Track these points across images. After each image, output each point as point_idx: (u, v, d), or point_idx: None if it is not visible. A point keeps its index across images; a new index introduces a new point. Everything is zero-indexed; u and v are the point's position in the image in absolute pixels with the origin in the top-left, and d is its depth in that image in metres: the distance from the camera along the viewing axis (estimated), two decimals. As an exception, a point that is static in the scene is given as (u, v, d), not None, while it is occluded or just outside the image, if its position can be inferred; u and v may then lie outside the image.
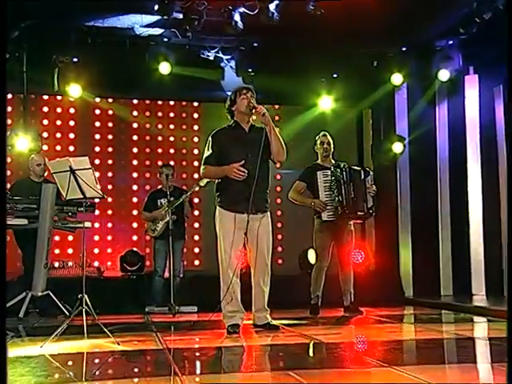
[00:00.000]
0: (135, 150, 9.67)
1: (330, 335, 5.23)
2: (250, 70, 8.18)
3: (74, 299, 7.03)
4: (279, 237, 9.61)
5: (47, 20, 7.51)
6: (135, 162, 9.59)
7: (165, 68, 7.95)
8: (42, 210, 6.66)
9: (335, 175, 6.55)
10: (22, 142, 7.37)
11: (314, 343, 4.70)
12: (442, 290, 8.60)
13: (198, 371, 3.62)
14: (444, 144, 8.83)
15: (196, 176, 9.52)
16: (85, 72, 7.65)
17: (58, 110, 9.38)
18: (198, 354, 4.41)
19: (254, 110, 5.15)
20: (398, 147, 8.65)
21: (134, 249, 8.05)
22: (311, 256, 7.78)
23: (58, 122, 9.41)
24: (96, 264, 9.12)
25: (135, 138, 9.71)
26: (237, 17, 7.41)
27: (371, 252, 9.03)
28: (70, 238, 9.15)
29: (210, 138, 5.30)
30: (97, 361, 4.15)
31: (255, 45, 8.13)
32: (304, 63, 8.17)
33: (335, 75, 8.47)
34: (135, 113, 9.74)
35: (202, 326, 5.63)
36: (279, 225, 9.68)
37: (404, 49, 8.55)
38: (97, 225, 9.39)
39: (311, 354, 4.37)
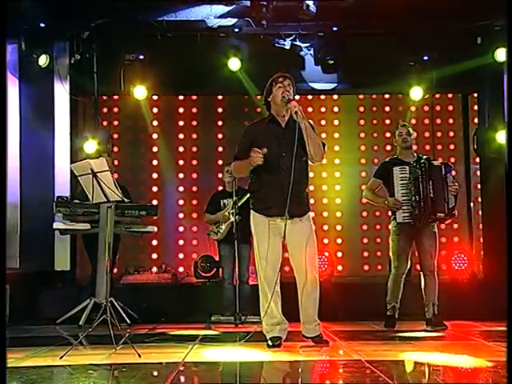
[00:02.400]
0: (220, 149, 9.80)
1: (386, 352, 4.97)
2: (328, 58, 8.01)
3: (144, 307, 7.47)
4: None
5: (117, 18, 7.87)
6: (220, 162, 9.71)
7: (237, 62, 8.04)
8: (101, 213, 6.98)
9: (413, 171, 6.26)
10: (90, 145, 7.77)
11: (349, 361, 4.50)
12: None
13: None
14: None
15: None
16: (152, 69, 7.91)
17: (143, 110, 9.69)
18: (210, 368, 4.39)
19: (287, 104, 5.00)
20: (503, 136, 8.03)
21: (208, 254, 8.16)
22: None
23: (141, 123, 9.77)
24: (181, 269, 9.42)
25: (220, 136, 9.85)
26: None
27: (478, 257, 8.50)
28: (154, 242, 9.52)
29: (242, 133, 5.26)
30: (94, 373, 4.19)
31: (334, 29, 7.95)
32: (389, 45, 7.89)
33: (425, 57, 8.01)
34: (220, 109, 9.89)
35: (257, 337, 5.54)
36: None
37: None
38: (181, 229, 9.71)
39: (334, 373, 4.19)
